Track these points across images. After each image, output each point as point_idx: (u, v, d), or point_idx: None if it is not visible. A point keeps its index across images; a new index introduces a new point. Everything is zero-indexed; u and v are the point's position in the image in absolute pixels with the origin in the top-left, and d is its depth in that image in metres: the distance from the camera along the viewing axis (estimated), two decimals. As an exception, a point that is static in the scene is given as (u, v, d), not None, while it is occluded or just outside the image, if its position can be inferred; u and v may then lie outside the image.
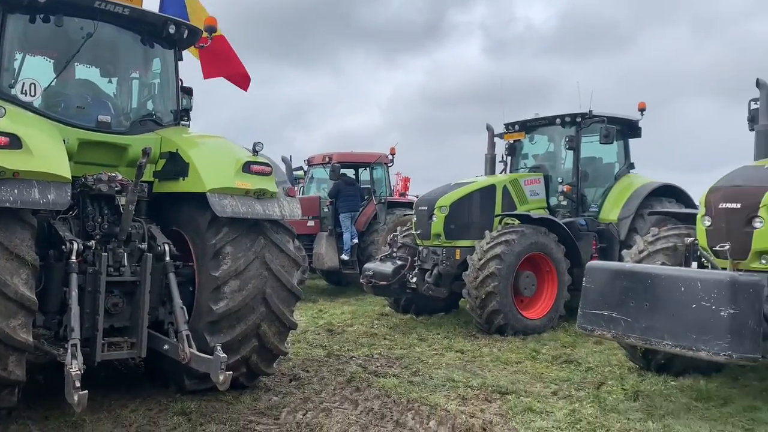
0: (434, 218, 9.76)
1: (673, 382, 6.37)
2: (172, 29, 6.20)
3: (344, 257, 13.30)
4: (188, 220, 5.75)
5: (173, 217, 5.89)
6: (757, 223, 5.56)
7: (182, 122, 6.71)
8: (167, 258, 5.39)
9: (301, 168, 15.80)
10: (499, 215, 10.07)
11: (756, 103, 7.10)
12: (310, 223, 13.71)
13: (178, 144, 5.79)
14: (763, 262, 5.55)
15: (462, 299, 10.12)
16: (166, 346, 5.23)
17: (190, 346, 4.97)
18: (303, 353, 7.67)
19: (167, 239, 5.54)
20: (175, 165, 5.76)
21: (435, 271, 9.70)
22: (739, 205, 5.71)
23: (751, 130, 7.19)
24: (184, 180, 5.64)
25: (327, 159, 14.19)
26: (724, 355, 4.80)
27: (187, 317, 5.21)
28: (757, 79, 6.88)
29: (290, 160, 14.26)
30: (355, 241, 13.22)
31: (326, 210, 13.77)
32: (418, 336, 8.92)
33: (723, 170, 6.21)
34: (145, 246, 5.42)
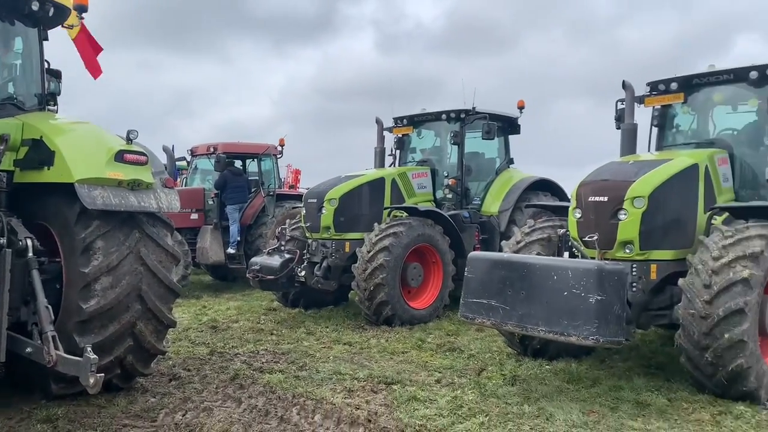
0: (324, 211, 9.72)
1: (547, 366, 6.74)
2: (35, 6, 5.70)
3: (230, 251, 12.94)
4: (55, 213, 5.32)
5: (38, 209, 5.44)
6: (621, 215, 5.99)
7: (48, 107, 6.21)
8: (30, 254, 4.96)
9: (184, 158, 15.17)
10: (388, 208, 10.19)
11: (622, 104, 7.64)
12: (194, 215, 13.22)
13: (42, 130, 5.33)
14: (627, 251, 5.98)
15: (351, 292, 10.15)
16: (29, 349, 4.83)
17: (56, 347, 4.62)
18: (184, 352, 7.37)
19: (30, 234, 5.10)
20: (39, 153, 5.30)
21: (324, 264, 9.67)
22: (606, 199, 6.11)
23: (618, 128, 7.73)
24: (49, 169, 5.21)
25: (212, 149, 13.70)
26: (593, 339, 5.13)
27: (52, 317, 4.82)
28: (623, 81, 7.39)
29: (173, 150, 13.63)
30: (238, 238, 12.90)
31: (211, 202, 13.33)
32: (306, 330, 8.85)
33: (594, 166, 6.64)
34: (3, 241, 4.95)
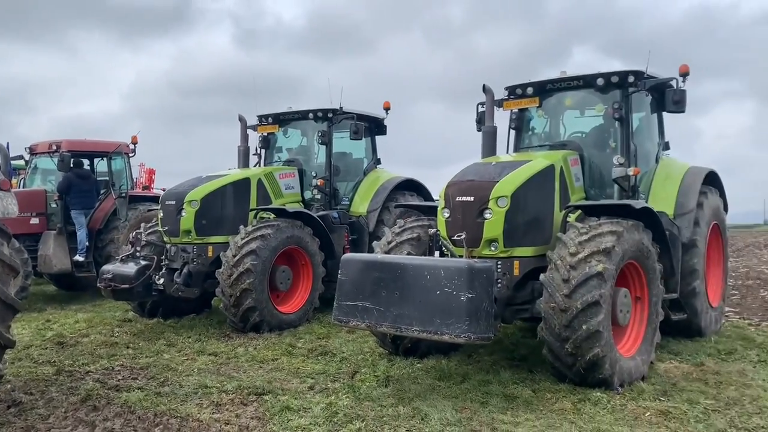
0: (183, 213, 9.15)
1: (419, 365, 6.80)
2: None
3: (78, 258, 11.85)
4: None
5: None
6: (487, 215, 6.17)
7: None
8: None
9: (21, 157, 13.66)
10: (254, 209, 9.83)
11: (483, 107, 7.91)
12: (34, 220, 11.98)
13: None
14: (492, 249, 6.18)
15: (215, 298, 9.67)
16: None
17: None
18: (25, 373, 6.58)
19: None
20: None
21: (185, 271, 9.11)
22: (472, 198, 6.27)
23: (479, 130, 8.00)
24: None
25: (54, 147, 12.45)
26: (465, 336, 5.22)
27: None
28: (484, 85, 7.65)
29: (7, 147, 12.18)
30: (87, 244, 11.86)
31: (54, 205, 12.13)
32: (166, 341, 8.27)
33: (453, 166, 6.81)
34: None
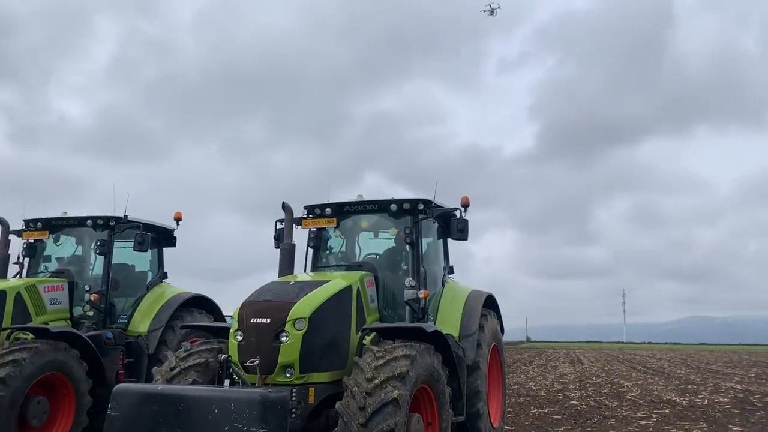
0: None
1: None
2: None
3: None
4: None
5: None
6: (283, 338, 5.88)
7: None
8: None
9: None
10: (8, 329, 8.38)
11: (281, 224, 7.82)
12: None
13: None
14: (287, 375, 5.84)
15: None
16: None
17: None
18: None
19: None
20: None
21: None
22: (268, 320, 5.96)
23: (277, 247, 7.85)
24: None
25: None
26: (255, 477, 4.68)
27: None
28: (283, 203, 7.61)
29: None
30: None
31: None
32: None
33: (251, 279, 6.50)
34: None
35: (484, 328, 8.31)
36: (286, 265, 7.53)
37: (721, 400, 15.91)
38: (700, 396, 16.87)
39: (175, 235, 10.91)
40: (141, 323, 9.89)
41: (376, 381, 5.63)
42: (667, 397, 16.43)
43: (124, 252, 10.13)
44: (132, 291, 10.29)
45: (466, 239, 7.87)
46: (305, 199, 8.10)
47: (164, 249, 10.90)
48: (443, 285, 8.39)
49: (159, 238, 10.69)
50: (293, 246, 7.63)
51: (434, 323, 7.61)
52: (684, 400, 15.92)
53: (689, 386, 20.15)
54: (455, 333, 7.85)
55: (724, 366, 33.17)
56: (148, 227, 10.11)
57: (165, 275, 10.83)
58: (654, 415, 13.05)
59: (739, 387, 19.78)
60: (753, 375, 26.14)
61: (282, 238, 7.68)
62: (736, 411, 13.82)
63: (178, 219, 10.76)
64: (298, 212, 8.01)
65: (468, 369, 7.72)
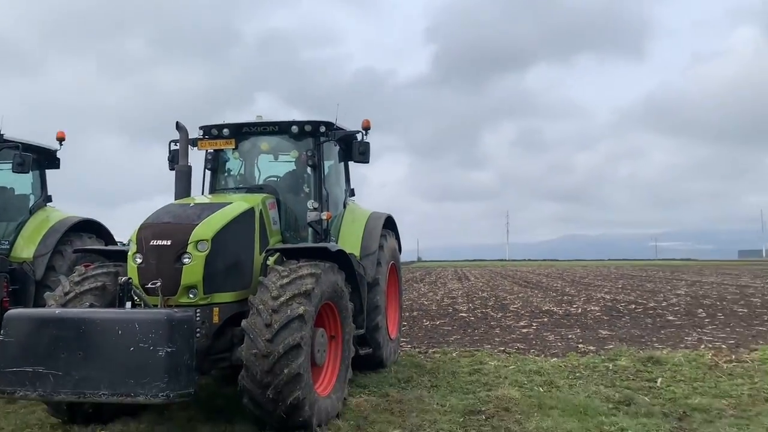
0: None
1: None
2: None
3: None
4: None
5: None
6: (185, 259, 5.82)
7: None
8: None
9: None
10: None
11: (176, 145, 7.54)
12: None
13: None
14: (191, 296, 5.83)
15: None
16: None
17: None
18: None
19: None
20: None
21: None
22: (169, 242, 5.86)
23: (172, 169, 7.59)
24: None
25: None
26: (163, 396, 4.74)
27: None
28: (177, 122, 7.29)
29: None
30: None
31: None
32: None
33: (138, 204, 6.31)
34: None
35: (383, 248, 8.61)
36: (183, 187, 7.30)
37: (592, 308, 17.61)
38: (574, 306, 18.56)
39: (58, 156, 10.24)
40: (25, 249, 9.36)
41: (282, 299, 5.75)
42: (546, 308, 17.95)
43: (2, 174, 9.41)
44: (13, 215, 9.64)
45: (367, 162, 7.98)
46: (195, 121, 7.80)
47: (47, 171, 10.22)
48: (344, 207, 8.54)
49: (41, 159, 9.97)
50: (189, 168, 7.38)
51: (337, 244, 7.78)
52: (560, 309, 17.47)
53: (565, 297, 22.07)
54: (357, 252, 8.08)
55: (596, 279, 36.47)
56: (28, 147, 9.39)
57: (49, 199, 10.20)
58: (534, 324, 14.28)
59: (608, 297, 21.93)
60: (620, 286, 28.99)
61: (177, 160, 7.42)
62: (605, 318, 15.39)
63: (61, 139, 10.06)
64: (195, 134, 7.75)
65: (368, 286, 8.03)
